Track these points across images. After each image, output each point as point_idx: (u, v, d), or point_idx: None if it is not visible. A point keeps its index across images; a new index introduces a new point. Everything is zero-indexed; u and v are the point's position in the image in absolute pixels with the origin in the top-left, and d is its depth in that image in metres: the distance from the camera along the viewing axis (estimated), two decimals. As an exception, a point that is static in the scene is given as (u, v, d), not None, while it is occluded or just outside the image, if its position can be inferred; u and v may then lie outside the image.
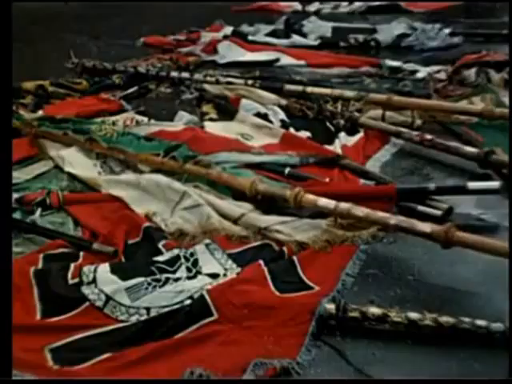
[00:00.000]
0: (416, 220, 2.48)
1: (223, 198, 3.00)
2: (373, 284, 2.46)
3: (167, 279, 2.43)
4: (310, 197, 2.76)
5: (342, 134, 3.77)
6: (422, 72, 4.86)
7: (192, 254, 2.58)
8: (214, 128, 3.96)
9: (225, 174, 3.09)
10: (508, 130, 3.39)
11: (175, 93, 4.85)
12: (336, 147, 3.65)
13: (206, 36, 6.50)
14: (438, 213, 2.87)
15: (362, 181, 3.25)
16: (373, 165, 3.49)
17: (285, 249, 2.64)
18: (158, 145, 3.49)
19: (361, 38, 5.90)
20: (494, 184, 2.89)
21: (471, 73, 4.44)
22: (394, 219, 2.52)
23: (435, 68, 4.96)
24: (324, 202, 2.72)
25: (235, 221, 2.84)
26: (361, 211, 2.61)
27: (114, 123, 3.95)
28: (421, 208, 2.91)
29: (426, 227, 2.43)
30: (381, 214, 2.56)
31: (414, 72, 4.91)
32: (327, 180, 3.22)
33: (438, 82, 4.49)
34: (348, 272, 2.50)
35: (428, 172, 3.43)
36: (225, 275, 2.47)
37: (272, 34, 6.42)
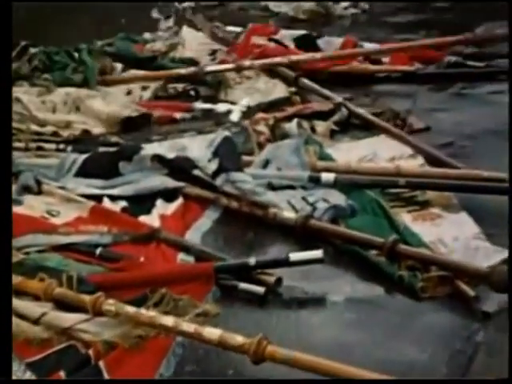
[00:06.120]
0: (230, 333, 2.25)
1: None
2: (190, 384, 2.24)
3: None
4: (111, 302, 2.48)
5: (159, 202, 3.50)
6: (236, 113, 4.75)
7: (-19, 371, 2.23)
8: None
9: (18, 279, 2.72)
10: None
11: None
12: (153, 218, 3.38)
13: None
14: (261, 290, 2.70)
15: (180, 256, 3.01)
16: (193, 235, 3.23)
17: (91, 352, 2.33)
18: None
19: (180, 87, 5.74)
20: (317, 253, 2.75)
21: (292, 125, 4.31)
22: (205, 332, 2.27)
23: (245, 103, 4.89)
24: (125, 309, 2.44)
25: (35, 321, 2.50)
26: (166, 320, 2.35)
27: None
28: (243, 286, 2.73)
29: (235, 340, 2.21)
30: (187, 326, 2.31)
31: (227, 113, 4.81)
32: (142, 259, 2.95)
33: (259, 134, 4.31)
34: (162, 373, 2.27)
35: (251, 238, 3.24)
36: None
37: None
